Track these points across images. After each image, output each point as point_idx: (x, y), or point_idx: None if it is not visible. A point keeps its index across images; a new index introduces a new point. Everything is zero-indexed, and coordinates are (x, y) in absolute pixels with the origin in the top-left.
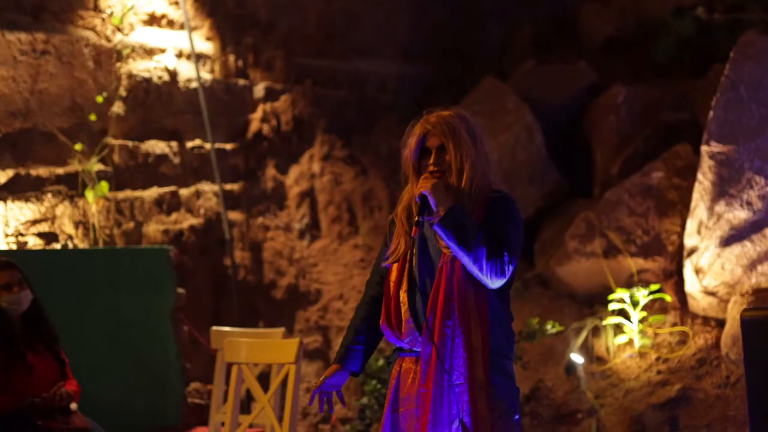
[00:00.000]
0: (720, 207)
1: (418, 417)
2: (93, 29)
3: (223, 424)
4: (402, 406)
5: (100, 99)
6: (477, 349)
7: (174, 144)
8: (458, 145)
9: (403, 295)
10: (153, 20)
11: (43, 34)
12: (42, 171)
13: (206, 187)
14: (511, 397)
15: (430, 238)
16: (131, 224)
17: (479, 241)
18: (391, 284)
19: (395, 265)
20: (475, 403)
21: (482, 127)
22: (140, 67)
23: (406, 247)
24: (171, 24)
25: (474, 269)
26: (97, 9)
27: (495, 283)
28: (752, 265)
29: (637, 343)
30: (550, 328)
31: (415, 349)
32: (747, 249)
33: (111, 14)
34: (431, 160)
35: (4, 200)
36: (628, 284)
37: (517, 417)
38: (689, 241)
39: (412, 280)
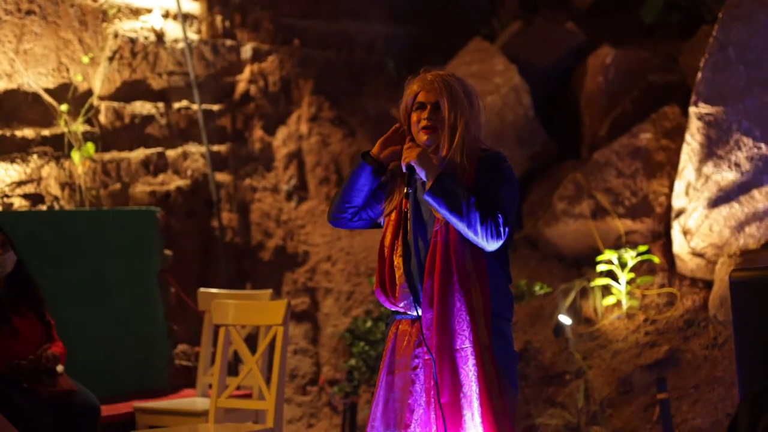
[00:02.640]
0: (708, 168)
1: (417, 382)
2: None
3: (210, 386)
4: (397, 368)
5: (86, 59)
6: (479, 311)
7: (161, 105)
8: (454, 102)
9: (397, 260)
10: None
11: None
12: (27, 132)
13: (193, 148)
14: (510, 362)
15: (422, 202)
16: (118, 186)
17: (472, 206)
18: (385, 249)
19: (389, 230)
20: (482, 365)
21: (476, 90)
22: (126, 27)
23: (399, 210)
24: None
25: (469, 234)
26: None
27: (491, 245)
28: (740, 227)
29: (625, 304)
30: (539, 289)
31: (410, 312)
32: (735, 210)
33: None
34: (425, 114)
35: None
36: (616, 246)
37: (515, 383)
38: (677, 202)
39: (407, 245)
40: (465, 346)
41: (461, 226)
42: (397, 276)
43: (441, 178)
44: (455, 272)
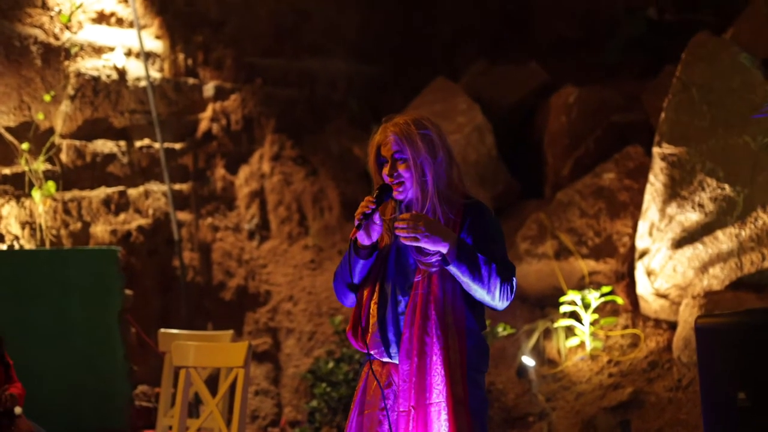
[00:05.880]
0: (672, 209)
1: (385, 422)
2: (41, 27)
3: (171, 428)
4: (367, 408)
5: (47, 97)
6: (455, 364)
7: (122, 143)
8: (416, 154)
9: (373, 307)
10: (102, 18)
11: None
12: None
13: (155, 187)
14: (483, 412)
15: (402, 249)
16: (79, 225)
17: (493, 272)
18: (365, 293)
19: (368, 275)
20: (455, 421)
21: (442, 132)
22: (89, 65)
23: (384, 248)
24: (120, 22)
25: (486, 298)
26: (45, 7)
27: (504, 305)
28: (704, 268)
29: (589, 345)
30: (502, 330)
31: (382, 359)
32: (699, 251)
33: (59, 12)
34: (386, 171)
35: None
36: (580, 286)
37: (485, 429)
38: (641, 243)
39: (383, 293)
40: (439, 400)
41: (479, 291)
42: (371, 324)
43: (462, 244)
44: (434, 326)
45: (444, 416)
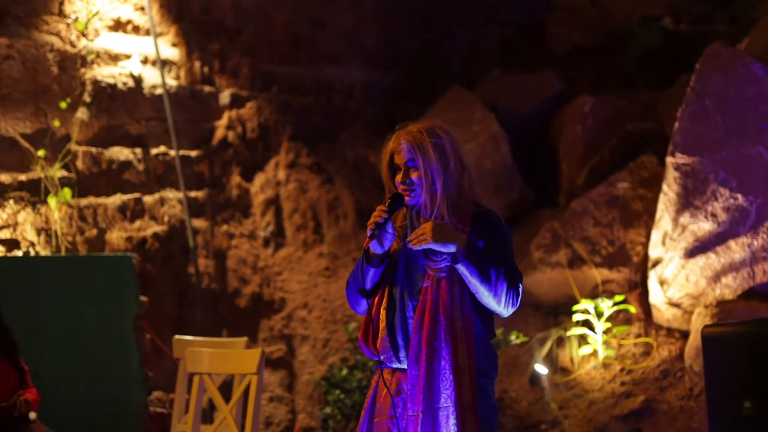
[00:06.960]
0: (685, 218)
1: (394, 430)
2: (57, 34)
3: None
4: (377, 416)
5: (63, 105)
6: (464, 369)
7: (138, 151)
8: (427, 162)
9: (382, 313)
10: (118, 26)
11: (6, 39)
12: (4, 177)
13: (170, 194)
14: (492, 421)
15: (411, 255)
16: (94, 231)
17: (501, 275)
18: (375, 299)
19: (378, 281)
20: (463, 425)
21: (455, 141)
22: (105, 72)
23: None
24: (136, 30)
25: (492, 302)
26: (61, 14)
27: (509, 312)
28: (716, 277)
29: (602, 354)
30: (515, 338)
31: (391, 365)
32: (711, 261)
33: (76, 19)
34: (398, 178)
35: None
36: (593, 295)
37: None
38: (654, 252)
39: (392, 298)
40: (447, 404)
41: (485, 294)
42: (380, 328)
43: (472, 245)
44: (443, 330)
45: (452, 420)
